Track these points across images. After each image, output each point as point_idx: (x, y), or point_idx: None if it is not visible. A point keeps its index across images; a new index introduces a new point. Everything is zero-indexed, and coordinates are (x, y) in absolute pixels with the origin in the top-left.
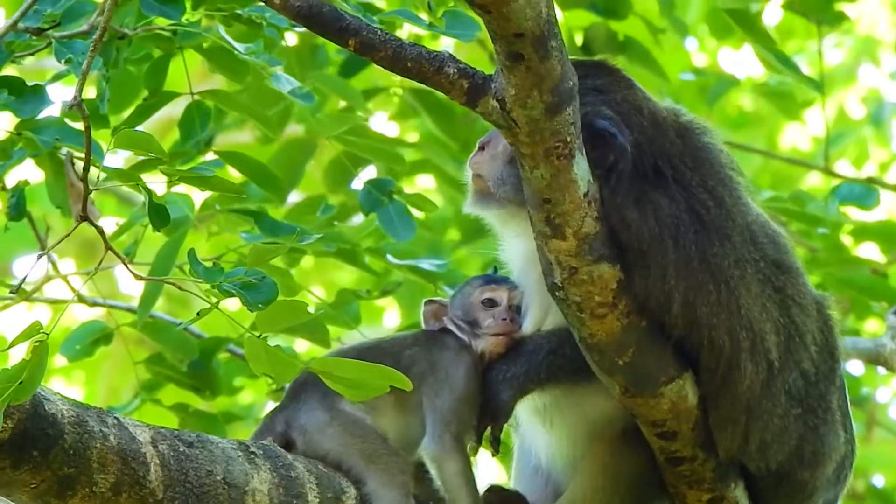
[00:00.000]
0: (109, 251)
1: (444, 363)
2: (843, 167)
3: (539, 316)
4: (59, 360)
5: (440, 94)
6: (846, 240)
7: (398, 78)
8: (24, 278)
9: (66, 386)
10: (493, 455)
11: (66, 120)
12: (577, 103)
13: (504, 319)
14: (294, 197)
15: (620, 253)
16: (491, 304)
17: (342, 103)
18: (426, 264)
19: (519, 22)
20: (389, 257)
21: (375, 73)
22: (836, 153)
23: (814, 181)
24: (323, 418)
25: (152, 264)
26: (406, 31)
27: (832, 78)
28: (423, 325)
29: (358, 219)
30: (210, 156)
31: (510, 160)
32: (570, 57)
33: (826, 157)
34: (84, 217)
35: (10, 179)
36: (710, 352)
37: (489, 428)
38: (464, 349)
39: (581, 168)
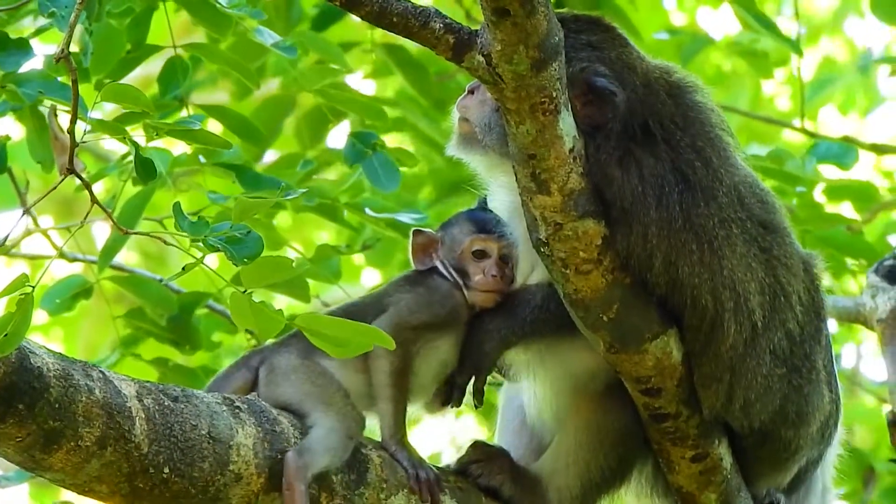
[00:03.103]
0: (89, 205)
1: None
2: (829, 113)
3: (525, 269)
4: (37, 317)
5: (414, 51)
6: (820, 199)
7: (371, 33)
8: (8, 235)
9: (44, 343)
10: (476, 407)
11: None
12: (562, 59)
13: (494, 276)
14: (268, 157)
15: (605, 209)
16: (481, 255)
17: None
18: (404, 217)
19: None
20: (368, 210)
21: (349, 29)
22: (822, 98)
23: (790, 137)
24: (294, 362)
25: (119, 214)
26: None
27: (817, 26)
28: (411, 258)
29: (333, 174)
30: (188, 112)
31: (499, 107)
32: (570, 12)
33: (802, 116)
34: (71, 170)
35: None
36: (693, 311)
37: (472, 380)
38: (453, 292)
39: (566, 124)
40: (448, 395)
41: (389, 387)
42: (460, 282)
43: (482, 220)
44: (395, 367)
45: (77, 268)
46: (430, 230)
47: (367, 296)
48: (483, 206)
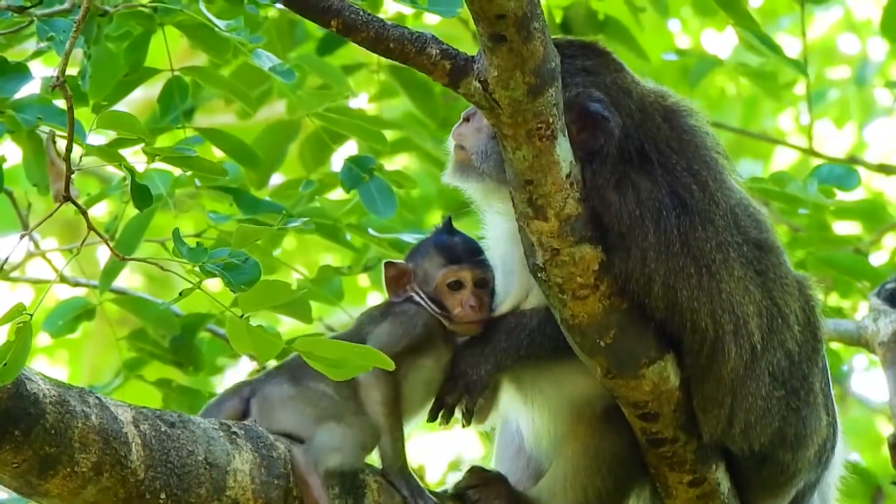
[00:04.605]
0: (90, 231)
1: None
2: (824, 126)
3: (521, 295)
4: (41, 340)
5: (419, 72)
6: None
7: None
8: (6, 259)
9: (49, 366)
10: (464, 427)
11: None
12: (559, 84)
13: (472, 306)
14: (275, 180)
15: (603, 234)
16: (457, 286)
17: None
18: (407, 237)
19: (501, 3)
20: (370, 231)
21: (354, 50)
22: (818, 113)
23: (788, 158)
24: (288, 391)
25: (119, 238)
26: (387, 7)
27: (813, 47)
28: (385, 290)
29: (335, 195)
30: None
31: (495, 134)
32: (564, 38)
33: (809, 137)
34: (66, 197)
35: None
36: (692, 335)
37: (463, 400)
38: (420, 311)
39: (563, 149)
40: (434, 414)
41: (385, 416)
42: (438, 312)
43: (452, 249)
44: (387, 396)
45: (80, 291)
46: (401, 262)
47: (347, 328)
48: (448, 227)
